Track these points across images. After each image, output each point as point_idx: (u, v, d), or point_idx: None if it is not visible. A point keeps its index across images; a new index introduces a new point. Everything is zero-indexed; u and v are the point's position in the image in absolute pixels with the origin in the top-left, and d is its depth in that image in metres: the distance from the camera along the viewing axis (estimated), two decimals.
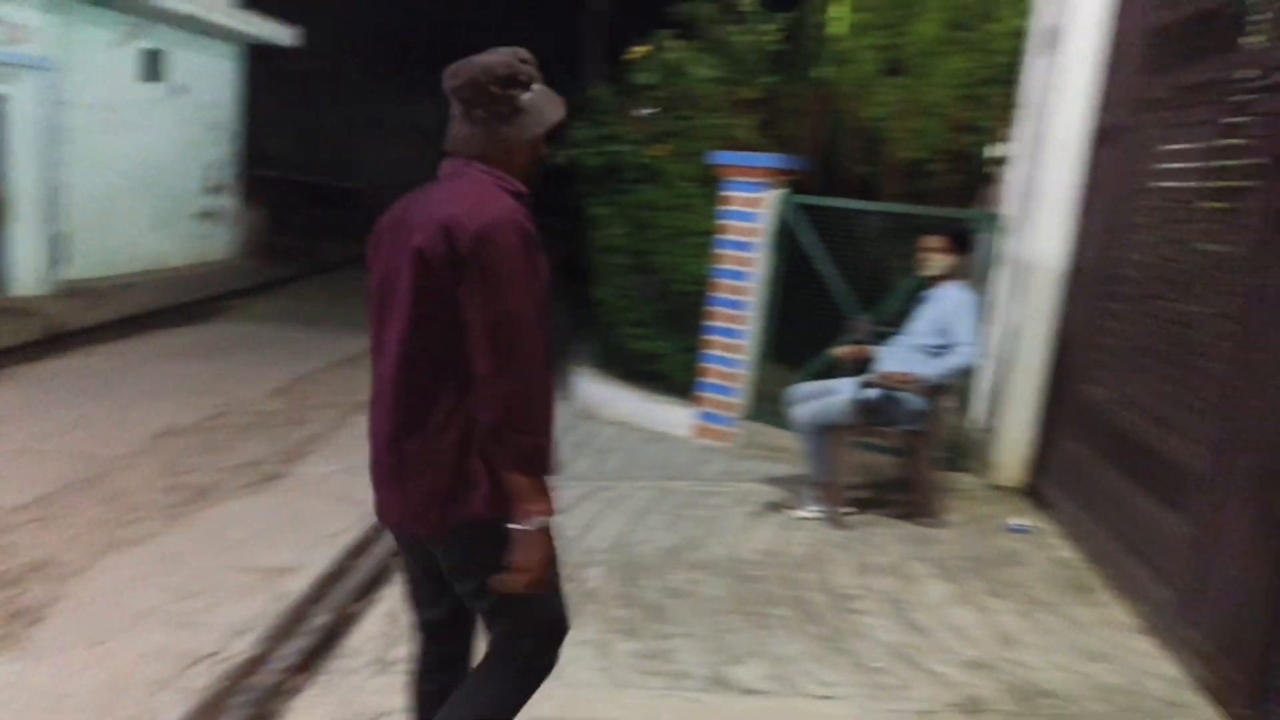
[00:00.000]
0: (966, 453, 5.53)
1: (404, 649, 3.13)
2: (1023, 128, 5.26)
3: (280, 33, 13.15)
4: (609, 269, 6.42)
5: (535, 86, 1.96)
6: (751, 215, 5.72)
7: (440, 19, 23.69)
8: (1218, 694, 2.98)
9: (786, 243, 5.67)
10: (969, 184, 6.09)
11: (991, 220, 5.43)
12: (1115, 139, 4.46)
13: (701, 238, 5.86)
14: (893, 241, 5.54)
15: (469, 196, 1.84)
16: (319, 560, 3.95)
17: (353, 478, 4.97)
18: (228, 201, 13.45)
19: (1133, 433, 3.91)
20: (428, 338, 1.86)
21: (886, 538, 4.33)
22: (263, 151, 19.81)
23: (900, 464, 4.96)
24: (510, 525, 1.84)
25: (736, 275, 5.78)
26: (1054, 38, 4.84)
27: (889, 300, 5.46)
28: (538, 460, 1.81)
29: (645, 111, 6.69)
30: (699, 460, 5.49)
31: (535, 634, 2.05)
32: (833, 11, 6.46)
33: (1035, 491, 4.99)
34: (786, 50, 7.84)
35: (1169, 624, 3.36)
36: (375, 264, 1.99)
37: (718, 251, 5.73)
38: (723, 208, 5.70)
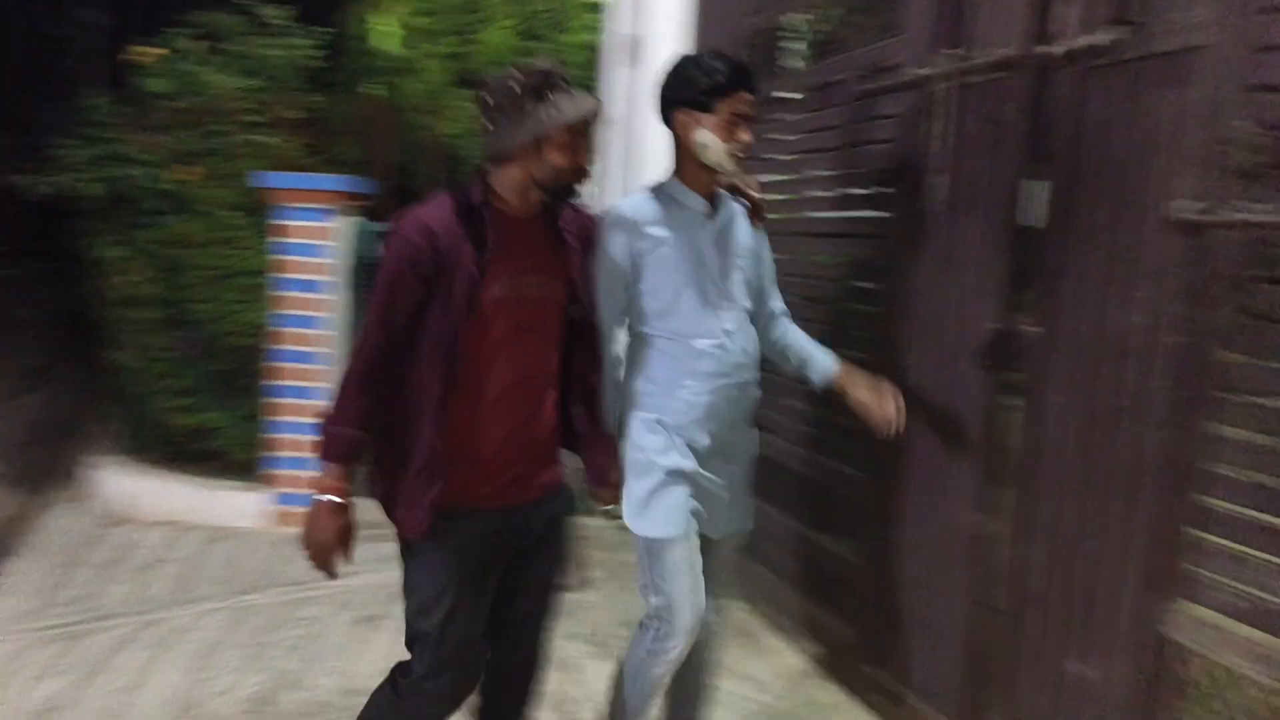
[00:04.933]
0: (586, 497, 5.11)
1: None
2: (612, 144, 4.97)
3: None
4: (131, 325, 5.00)
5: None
6: (316, 248, 4.75)
7: None
8: None
9: (365, 278, 4.79)
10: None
11: None
12: None
13: (254, 278, 4.75)
14: None
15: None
16: None
17: None
18: None
19: (782, 461, 3.69)
20: None
21: None
22: None
23: None
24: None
25: (304, 322, 4.76)
26: (635, 48, 4.60)
27: None
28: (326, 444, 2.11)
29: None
30: (282, 558, 4.31)
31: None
32: (377, 24, 5.72)
33: None
34: (331, 66, 6.94)
35: (852, 666, 3.13)
36: None
37: (277, 294, 4.68)
38: (278, 240, 4.67)
